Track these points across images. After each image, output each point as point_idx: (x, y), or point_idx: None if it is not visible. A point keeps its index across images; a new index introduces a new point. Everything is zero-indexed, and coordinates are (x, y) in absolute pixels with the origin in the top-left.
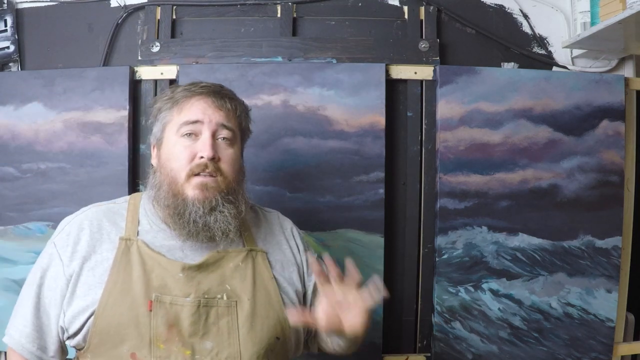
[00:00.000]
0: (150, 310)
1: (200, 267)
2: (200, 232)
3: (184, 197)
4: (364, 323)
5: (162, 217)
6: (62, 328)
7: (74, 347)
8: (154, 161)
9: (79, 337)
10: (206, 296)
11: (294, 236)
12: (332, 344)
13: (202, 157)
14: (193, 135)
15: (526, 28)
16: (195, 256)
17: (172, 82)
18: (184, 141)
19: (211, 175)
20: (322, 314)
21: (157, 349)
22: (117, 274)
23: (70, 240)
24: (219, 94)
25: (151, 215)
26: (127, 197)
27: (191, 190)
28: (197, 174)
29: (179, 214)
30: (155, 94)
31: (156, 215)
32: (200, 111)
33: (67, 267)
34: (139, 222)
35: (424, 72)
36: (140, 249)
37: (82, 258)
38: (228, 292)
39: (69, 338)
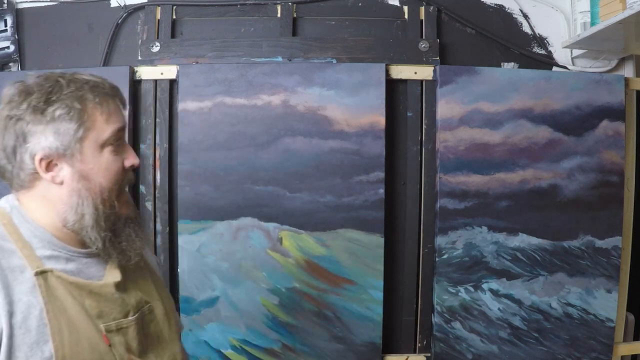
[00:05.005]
0: (109, 345)
1: (125, 282)
2: (126, 249)
3: (119, 216)
4: None
5: (73, 240)
6: None
7: None
8: (56, 179)
9: None
10: (138, 308)
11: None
12: None
13: (132, 166)
14: (117, 144)
15: (526, 28)
16: (97, 272)
17: (172, 82)
18: (110, 153)
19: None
20: None
21: None
22: (55, 320)
23: None
24: (118, 90)
25: (41, 235)
26: None
27: (124, 208)
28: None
29: (115, 235)
30: (156, 94)
31: (49, 234)
32: (122, 115)
33: None
34: (30, 247)
35: (424, 72)
36: (60, 279)
37: (7, 313)
38: (145, 298)
39: None
